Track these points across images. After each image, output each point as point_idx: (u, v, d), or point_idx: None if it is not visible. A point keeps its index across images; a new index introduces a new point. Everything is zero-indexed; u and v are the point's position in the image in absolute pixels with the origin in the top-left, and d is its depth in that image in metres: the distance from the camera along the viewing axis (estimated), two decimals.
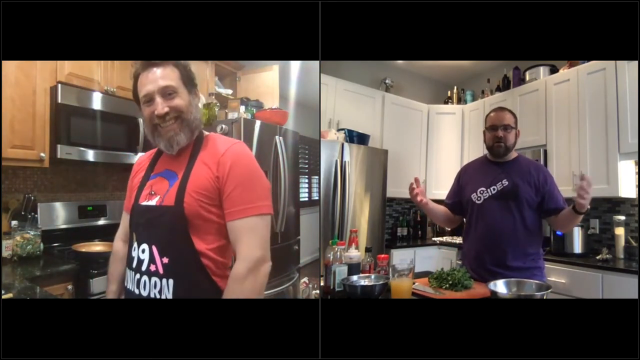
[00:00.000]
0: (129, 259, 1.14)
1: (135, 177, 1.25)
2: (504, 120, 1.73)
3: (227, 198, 1.06)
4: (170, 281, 1.04)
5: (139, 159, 1.32)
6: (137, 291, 1.09)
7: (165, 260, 1.05)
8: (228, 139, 1.18)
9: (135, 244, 1.12)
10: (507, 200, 1.68)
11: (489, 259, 1.67)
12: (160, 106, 1.07)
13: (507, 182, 1.70)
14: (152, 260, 1.06)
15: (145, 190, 1.15)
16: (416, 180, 1.67)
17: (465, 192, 1.83)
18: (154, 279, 1.06)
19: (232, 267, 1.10)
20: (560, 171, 2.87)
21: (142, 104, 1.12)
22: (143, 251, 1.08)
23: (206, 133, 1.20)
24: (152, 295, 1.06)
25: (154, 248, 1.06)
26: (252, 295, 1.03)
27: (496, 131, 1.73)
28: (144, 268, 1.07)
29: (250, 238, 1.05)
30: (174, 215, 1.05)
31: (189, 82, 1.15)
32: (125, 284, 1.16)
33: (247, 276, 1.02)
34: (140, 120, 2.45)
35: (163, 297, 1.05)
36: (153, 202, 1.11)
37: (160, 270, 1.05)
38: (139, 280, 1.08)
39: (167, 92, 1.09)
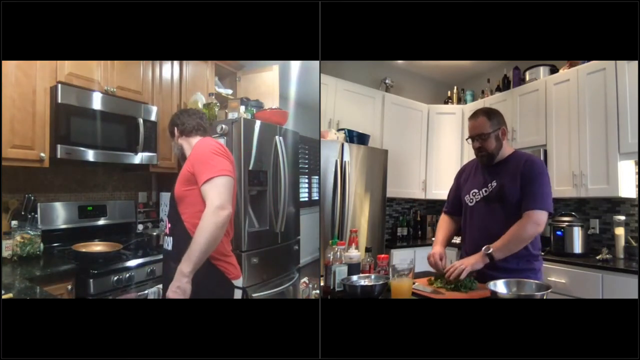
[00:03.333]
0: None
1: None
2: (477, 130, 1.69)
3: (195, 174, 1.50)
4: (171, 238, 1.59)
5: None
6: (165, 246, 1.65)
7: (169, 225, 1.62)
8: (204, 138, 1.69)
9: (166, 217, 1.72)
10: (495, 202, 1.66)
11: None
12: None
13: (495, 184, 1.67)
14: (166, 226, 1.65)
15: None
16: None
17: (462, 192, 1.83)
18: (166, 237, 1.64)
19: None
20: (560, 171, 2.87)
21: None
22: (164, 221, 1.67)
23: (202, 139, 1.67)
24: (165, 247, 1.64)
25: (166, 218, 1.67)
26: (211, 228, 1.38)
27: (473, 142, 1.72)
28: (165, 231, 1.68)
29: (212, 192, 1.44)
30: (172, 197, 1.60)
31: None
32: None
33: (209, 216, 1.40)
34: (140, 120, 2.45)
35: (169, 248, 1.60)
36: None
37: (168, 232, 1.62)
38: (165, 239, 1.65)
39: None
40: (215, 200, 1.41)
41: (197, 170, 1.49)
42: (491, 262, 1.58)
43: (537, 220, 1.56)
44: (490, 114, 1.72)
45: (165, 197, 2.91)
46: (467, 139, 1.79)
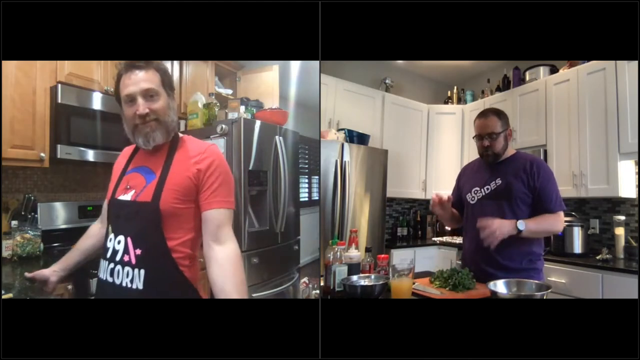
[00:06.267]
0: (105, 249, 1.19)
1: (117, 167, 1.33)
2: (487, 129, 1.69)
3: (208, 189, 1.16)
4: (142, 271, 1.11)
5: (124, 150, 1.38)
6: (110, 279, 1.15)
7: (138, 251, 1.12)
8: (201, 140, 1.28)
9: (111, 235, 1.17)
10: (501, 200, 1.67)
11: (482, 259, 1.65)
12: (142, 107, 1.15)
13: (500, 182, 1.68)
14: (126, 251, 1.13)
15: (122, 185, 1.23)
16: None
17: (462, 192, 1.83)
18: (126, 268, 1.12)
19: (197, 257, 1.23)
20: (560, 171, 2.87)
21: (123, 103, 1.19)
22: (119, 242, 1.15)
23: (181, 135, 1.29)
24: (124, 284, 1.12)
25: (129, 240, 1.13)
26: (243, 273, 1.15)
27: (482, 141, 1.72)
28: (118, 258, 1.14)
29: (229, 226, 1.18)
30: (149, 211, 1.13)
31: (168, 86, 1.24)
32: (98, 274, 1.21)
33: (239, 257, 1.15)
34: None
35: (134, 286, 1.11)
36: (128, 197, 1.18)
37: (133, 261, 1.12)
38: (112, 270, 1.15)
39: (149, 95, 1.17)
40: (233, 236, 1.18)
41: (217, 188, 1.17)
42: (494, 259, 1.59)
43: (563, 221, 1.69)
44: (500, 114, 1.74)
45: None
46: (473, 137, 1.78)
